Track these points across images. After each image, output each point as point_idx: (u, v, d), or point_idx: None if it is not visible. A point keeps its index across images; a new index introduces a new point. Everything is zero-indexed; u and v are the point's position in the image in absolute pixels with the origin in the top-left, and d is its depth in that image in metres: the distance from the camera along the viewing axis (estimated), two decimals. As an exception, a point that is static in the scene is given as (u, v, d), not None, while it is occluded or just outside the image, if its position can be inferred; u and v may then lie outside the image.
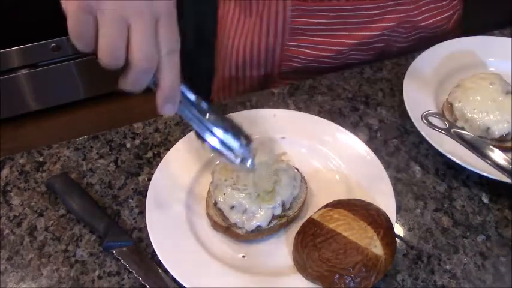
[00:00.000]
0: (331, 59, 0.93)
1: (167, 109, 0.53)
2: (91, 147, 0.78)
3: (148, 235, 0.64)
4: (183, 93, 0.54)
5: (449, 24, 0.99)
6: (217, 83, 1.05)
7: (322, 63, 0.93)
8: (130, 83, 0.50)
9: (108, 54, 0.48)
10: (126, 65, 0.49)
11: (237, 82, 1.01)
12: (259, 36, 0.92)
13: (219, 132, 0.57)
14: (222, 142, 0.58)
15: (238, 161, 0.59)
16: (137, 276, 0.62)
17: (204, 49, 1.06)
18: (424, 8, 0.92)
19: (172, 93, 0.52)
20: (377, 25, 0.90)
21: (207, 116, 0.57)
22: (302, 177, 0.70)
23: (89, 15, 0.46)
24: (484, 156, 0.72)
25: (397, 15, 0.89)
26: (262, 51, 0.94)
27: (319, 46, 0.91)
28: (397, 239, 0.64)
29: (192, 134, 0.76)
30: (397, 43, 0.95)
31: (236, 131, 0.59)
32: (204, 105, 0.57)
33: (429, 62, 0.88)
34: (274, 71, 0.96)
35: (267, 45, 0.93)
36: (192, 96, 0.56)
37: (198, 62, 1.11)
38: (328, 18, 0.87)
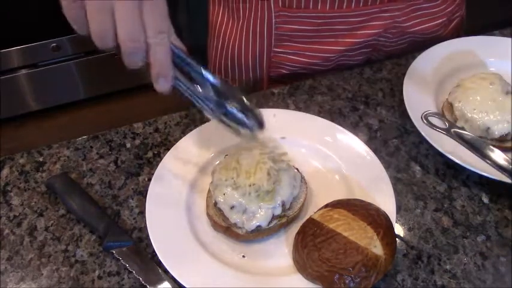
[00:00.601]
0: (319, 65, 0.93)
1: (160, 84, 0.55)
2: (91, 147, 0.78)
3: (148, 235, 0.64)
4: (184, 68, 0.57)
5: (446, 30, 0.99)
6: None
7: (310, 70, 0.93)
8: (125, 61, 0.53)
9: (97, 38, 0.51)
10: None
11: None
12: (247, 41, 0.92)
13: (222, 107, 0.59)
14: (226, 114, 0.59)
15: (242, 129, 0.61)
16: (137, 276, 0.62)
17: (197, 49, 1.07)
18: (412, 15, 0.91)
19: (162, 70, 0.54)
20: (363, 32, 0.89)
21: (210, 93, 0.58)
22: (302, 177, 0.70)
23: (78, 1, 0.50)
24: (484, 156, 0.72)
25: (384, 22, 0.89)
26: (250, 56, 0.94)
27: (306, 53, 0.91)
28: (397, 239, 0.64)
29: (192, 134, 0.76)
30: (384, 47, 0.95)
31: (241, 105, 0.60)
32: (208, 79, 0.58)
33: (429, 62, 0.88)
34: (263, 76, 0.97)
35: (254, 51, 0.93)
36: (198, 72, 0.58)
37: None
38: (313, 25, 0.87)
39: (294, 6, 0.85)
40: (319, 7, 0.84)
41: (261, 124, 0.61)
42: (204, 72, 0.58)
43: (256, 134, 0.61)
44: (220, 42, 0.97)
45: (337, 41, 0.89)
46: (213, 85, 0.59)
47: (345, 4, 0.84)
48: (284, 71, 0.94)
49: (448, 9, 0.96)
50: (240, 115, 0.60)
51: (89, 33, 0.52)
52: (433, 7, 0.93)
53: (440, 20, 0.95)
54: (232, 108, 0.59)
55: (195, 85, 0.58)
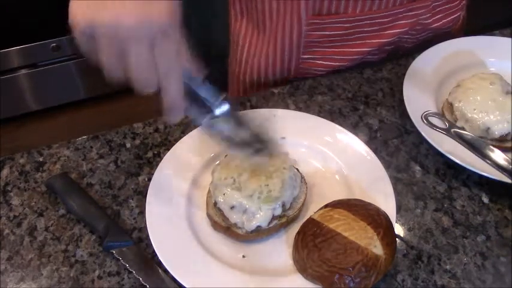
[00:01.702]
0: (344, 66, 0.92)
1: (171, 118, 0.57)
2: (91, 147, 0.78)
3: (148, 235, 0.64)
4: (196, 94, 0.58)
5: (457, 25, 0.99)
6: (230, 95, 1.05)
7: (335, 72, 0.93)
8: (138, 91, 0.54)
9: (109, 72, 0.52)
10: None
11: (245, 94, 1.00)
12: (274, 52, 0.91)
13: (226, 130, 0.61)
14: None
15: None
16: (137, 276, 0.62)
17: (214, 65, 1.05)
18: (435, 11, 0.92)
19: (174, 105, 0.55)
20: (390, 31, 0.89)
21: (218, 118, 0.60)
22: (302, 177, 0.70)
23: (89, 37, 0.50)
24: (484, 156, 0.72)
25: (409, 21, 0.89)
26: (277, 67, 0.93)
27: (334, 57, 0.91)
28: (397, 239, 0.64)
29: (192, 134, 0.76)
30: (406, 44, 0.95)
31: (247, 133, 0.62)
32: (221, 106, 0.60)
33: (429, 62, 0.88)
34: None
35: (282, 61, 0.92)
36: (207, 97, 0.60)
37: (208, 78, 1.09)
38: (342, 29, 0.87)
39: (325, 13, 0.85)
40: (349, 11, 0.84)
41: (258, 140, 0.63)
42: (217, 101, 0.60)
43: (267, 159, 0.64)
44: (245, 55, 0.95)
45: (365, 42, 0.90)
46: (227, 113, 0.61)
47: (375, 6, 0.84)
48: (309, 76, 0.93)
49: (462, 3, 0.97)
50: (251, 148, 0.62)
51: (100, 64, 0.53)
52: (451, 1, 0.94)
53: (456, 15, 0.96)
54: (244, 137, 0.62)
55: (207, 115, 0.60)
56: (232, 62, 1.00)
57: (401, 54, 0.94)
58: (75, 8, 0.49)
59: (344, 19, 0.85)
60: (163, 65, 0.52)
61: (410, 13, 0.88)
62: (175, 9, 0.52)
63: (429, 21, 0.93)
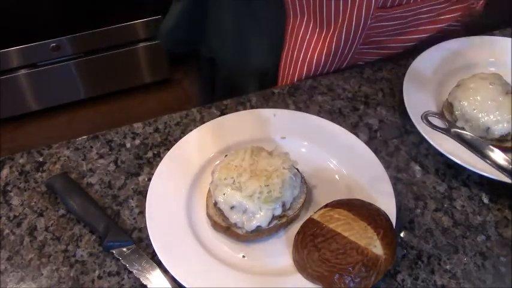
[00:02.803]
0: (396, 53, 0.93)
1: None
2: (91, 147, 0.78)
3: (148, 235, 0.64)
4: None
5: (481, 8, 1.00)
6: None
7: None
8: None
9: None
10: None
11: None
12: (337, 46, 0.89)
13: None
14: None
15: None
16: (137, 276, 0.62)
17: (269, 62, 1.00)
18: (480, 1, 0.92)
19: None
20: (445, 17, 0.90)
21: None
22: (302, 177, 0.70)
23: None
24: (484, 156, 0.72)
25: (461, 5, 0.90)
26: (335, 60, 0.92)
27: (389, 45, 0.92)
28: (397, 239, 0.64)
29: (192, 133, 0.76)
30: (454, 33, 0.95)
31: None
32: None
33: (429, 62, 0.88)
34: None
35: (342, 54, 0.91)
36: None
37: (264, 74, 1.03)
38: (403, 19, 0.88)
39: (388, 6, 0.85)
40: (411, 1, 0.85)
41: None
42: None
43: None
44: (302, 53, 0.92)
45: (419, 29, 0.91)
46: None
47: None
48: (361, 63, 0.94)
49: None
50: None
51: None
52: None
53: None
54: None
55: None
56: (286, 57, 0.95)
57: (402, 54, 0.94)
58: None
59: (407, 9, 0.86)
60: None
61: None
62: None
63: (475, 5, 0.92)
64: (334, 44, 0.88)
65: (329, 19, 0.87)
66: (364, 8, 0.83)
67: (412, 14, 0.87)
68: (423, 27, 0.90)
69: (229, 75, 1.04)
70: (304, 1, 0.87)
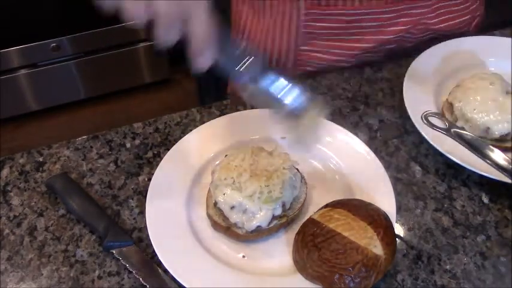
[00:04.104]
0: (344, 62, 0.92)
1: (199, 62, 0.53)
2: (91, 147, 0.78)
3: (148, 235, 0.64)
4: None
5: (470, 28, 0.98)
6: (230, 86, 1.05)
7: (335, 67, 0.92)
8: (159, 38, 0.51)
9: (132, 13, 0.49)
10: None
11: None
12: (273, 39, 0.91)
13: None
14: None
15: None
16: (137, 276, 0.62)
17: None
18: (440, 11, 0.91)
19: (201, 47, 0.52)
20: (391, 29, 0.89)
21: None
22: (302, 177, 0.70)
23: None
24: (484, 156, 0.72)
25: (413, 18, 0.88)
26: (275, 54, 0.93)
27: (332, 50, 0.91)
28: (397, 239, 0.64)
29: (192, 133, 0.76)
30: (408, 43, 0.94)
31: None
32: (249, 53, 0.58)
33: (429, 62, 0.88)
34: (289, 74, 0.96)
35: (280, 49, 0.92)
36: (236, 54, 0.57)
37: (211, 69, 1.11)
38: (342, 22, 0.86)
39: (324, 4, 0.84)
40: (348, 3, 0.84)
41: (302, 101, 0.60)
42: (243, 49, 0.57)
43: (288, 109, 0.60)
44: (244, 41, 0.95)
45: (364, 38, 0.89)
46: (254, 59, 0.57)
47: (374, 1, 0.84)
48: (310, 68, 0.93)
49: (472, 7, 0.96)
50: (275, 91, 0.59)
51: (120, 8, 0.50)
52: (458, 4, 0.93)
53: (464, 18, 0.95)
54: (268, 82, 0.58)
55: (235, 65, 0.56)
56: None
57: (402, 54, 0.94)
58: None
59: (343, 11, 0.85)
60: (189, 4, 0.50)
61: (411, 11, 0.87)
62: None
63: (433, 21, 0.92)
64: (270, 34, 0.89)
65: (265, 9, 0.88)
66: (295, 1, 0.83)
67: (352, 19, 0.86)
68: (368, 37, 0.89)
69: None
70: None
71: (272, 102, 0.59)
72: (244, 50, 0.57)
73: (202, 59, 0.53)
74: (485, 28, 0.99)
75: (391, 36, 0.89)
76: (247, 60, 0.57)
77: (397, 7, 0.85)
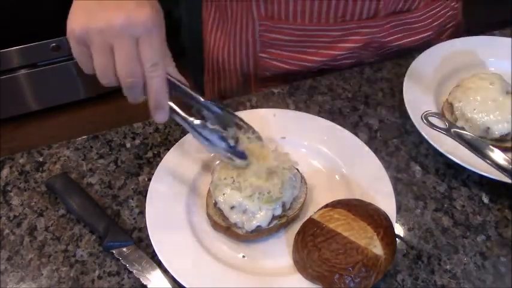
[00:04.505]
0: (302, 72, 0.93)
1: (158, 116, 0.60)
2: (91, 147, 0.78)
3: (148, 235, 0.64)
4: (184, 98, 0.61)
5: (441, 38, 0.98)
6: (206, 76, 1.08)
7: (293, 76, 0.93)
8: (127, 97, 0.59)
9: (101, 77, 0.57)
10: None
11: (219, 78, 1.03)
12: (234, 43, 0.94)
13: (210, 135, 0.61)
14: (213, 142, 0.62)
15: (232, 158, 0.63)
16: (137, 276, 0.62)
17: (196, 45, 1.11)
18: (392, 30, 0.91)
19: (158, 101, 0.58)
20: (343, 45, 0.89)
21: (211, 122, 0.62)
22: (302, 177, 0.70)
23: (83, 46, 0.55)
24: (484, 156, 0.72)
25: (362, 37, 0.89)
26: (237, 57, 0.95)
27: (289, 61, 0.92)
28: (397, 239, 0.64)
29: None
30: (369, 58, 0.94)
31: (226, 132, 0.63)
32: (208, 107, 0.62)
33: (429, 62, 0.88)
34: (251, 78, 0.98)
35: (241, 53, 0.94)
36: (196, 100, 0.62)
37: (193, 57, 1.16)
38: (294, 36, 0.88)
39: (276, 18, 0.86)
40: (298, 20, 0.86)
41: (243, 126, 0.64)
42: (203, 101, 0.62)
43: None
44: (212, 41, 0.99)
45: (318, 52, 0.90)
46: (213, 113, 0.63)
47: (323, 19, 0.85)
48: (269, 74, 0.95)
49: (435, 23, 0.95)
50: (239, 149, 0.63)
51: (94, 72, 0.57)
52: (415, 23, 0.92)
53: (424, 34, 0.95)
54: (232, 141, 0.62)
55: (192, 118, 0.60)
56: (204, 43, 1.04)
57: (401, 54, 0.94)
58: (71, 21, 0.55)
59: (294, 27, 0.87)
60: (146, 58, 0.55)
61: (363, 30, 0.88)
62: (159, 10, 0.57)
63: (387, 39, 0.92)
64: (231, 39, 0.93)
65: (226, 14, 0.92)
66: (249, 12, 0.87)
67: (304, 34, 0.88)
68: (322, 51, 0.90)
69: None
70: None
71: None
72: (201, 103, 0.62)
73: (159, 113, 0.59)
74: (485, 28, 0.99)
75: (344, 52, 0.90)
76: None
77: (346, 26, 0.87)
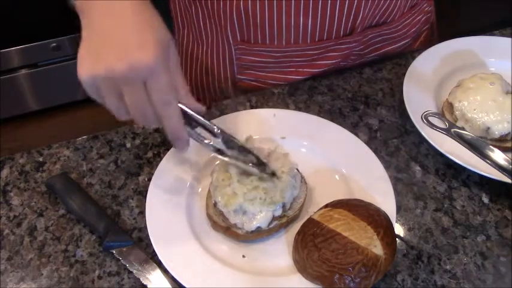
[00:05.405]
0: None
1: (178, 147, 0.62)
2: (91, 147, 0.78)
3: (148, 235, 0.64)
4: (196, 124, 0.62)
5: (416, 45, 0.98)
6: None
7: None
8: (138, 123, 0.60)
9: (117, 116, 0.59)
10: None
11: (198, 99, 1.01)
12: (212, 64, 0.92)
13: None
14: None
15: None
16: (137, 276, 0.62)
17: None
18: (369, 43, 0.91)
19: (176, 136, 0.60)
20: (322, 62, 0.89)
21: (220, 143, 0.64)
22: (302, 177, 0.70)
23: (94, 87, 0.55)
24: (484, 156, 0.72)
25: (341, 53, 0.88)
26: (215, 80, 0.94)
27: (269, 81, 0.91)
28: (397, 239, 0.64)
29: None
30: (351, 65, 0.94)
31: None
32: (216, 134, 0.64)
33: (429, 62, 0.88)
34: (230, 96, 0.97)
35: (219, 74, 0.93)
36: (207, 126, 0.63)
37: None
38: (272, 58, 0.87)
39: (252, 41, 0.86)
40: (275, 43, 0.85)
41: (261, 163, 0.65)
42: (215, 128, 0.63)
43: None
44: (189, 63, 0.97)
45: (297, 70, 0.90)
46: (220, 137, 0.64)
47: (300, 40, 0.84)
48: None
49: (412, 30, 0.95)
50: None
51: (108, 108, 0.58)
52: (392, 33, 0.92)
53: (403, 42, 0.95)
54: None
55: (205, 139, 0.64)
56: (182, 66, 1.01)
57: (402, 54, 0.94)
58: (79, 67, 0.55)
59: (271, 49, 0.86)
60: (156, 100, 0.55)
61: (341, 46, 0.87)
62: (164, 46, 0.55)
63: (365, 51, 0.92)
64: (209, 60, 0.92)
65: (202, 37, 0.91)
66: (225, 35, 0.86)
67: (281, 55, 0.87)
68: (301, 69, 0.89)
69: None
70: (184, 17, 0.92)
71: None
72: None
73: (179, 144, 0.62)
74: (485, 28, 0.99)
75: (324, 68, 0.90)
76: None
77: (324, 44, 0.86)
